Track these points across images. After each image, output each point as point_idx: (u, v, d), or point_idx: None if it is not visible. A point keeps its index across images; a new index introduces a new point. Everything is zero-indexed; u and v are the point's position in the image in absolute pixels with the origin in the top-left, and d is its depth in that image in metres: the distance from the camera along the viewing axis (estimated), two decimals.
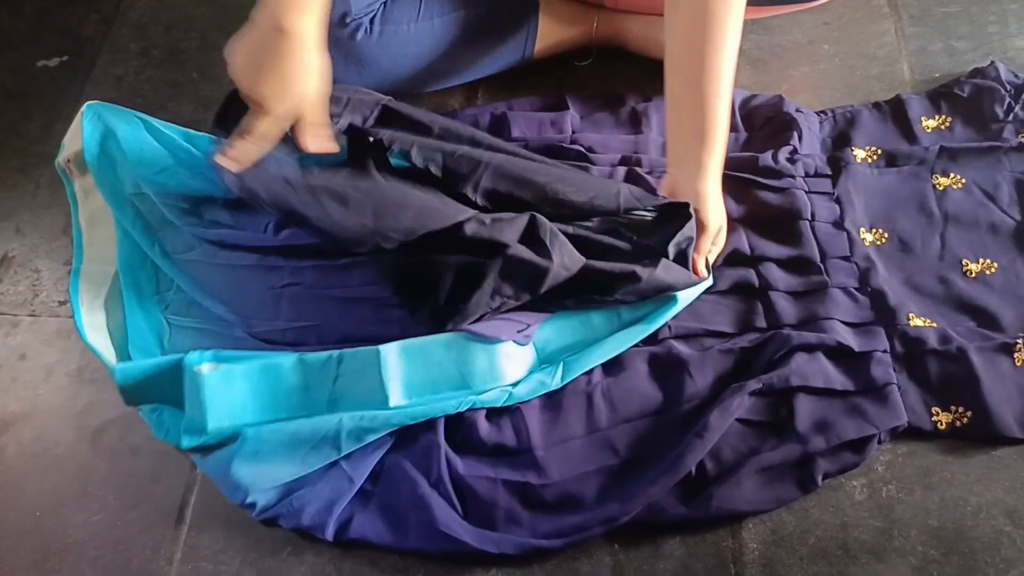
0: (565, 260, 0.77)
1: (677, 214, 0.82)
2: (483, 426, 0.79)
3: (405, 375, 0.78)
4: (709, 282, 0.85)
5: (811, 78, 1.07)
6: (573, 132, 1.00)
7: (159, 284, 0.92)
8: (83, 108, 0.91)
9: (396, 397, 0.77)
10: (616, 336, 0.82)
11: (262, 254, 0.88)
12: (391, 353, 0.78)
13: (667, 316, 0.82)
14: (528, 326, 0.81)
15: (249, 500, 0.77)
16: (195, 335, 0.88)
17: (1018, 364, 0.81)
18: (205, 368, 0.77)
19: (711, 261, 0.85)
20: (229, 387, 0.78)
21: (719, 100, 0.80)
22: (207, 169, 0.90)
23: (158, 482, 0.83)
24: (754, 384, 0.79)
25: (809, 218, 0.91)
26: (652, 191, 0.88)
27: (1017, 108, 0.98)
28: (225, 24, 1.20)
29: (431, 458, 0.77)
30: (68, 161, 0.92)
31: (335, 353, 0.79)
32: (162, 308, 0.91)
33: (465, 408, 0.78)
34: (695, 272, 0.82)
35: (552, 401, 0.80)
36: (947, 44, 1.08)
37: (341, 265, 0.86)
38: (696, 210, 0.81)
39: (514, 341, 0.80)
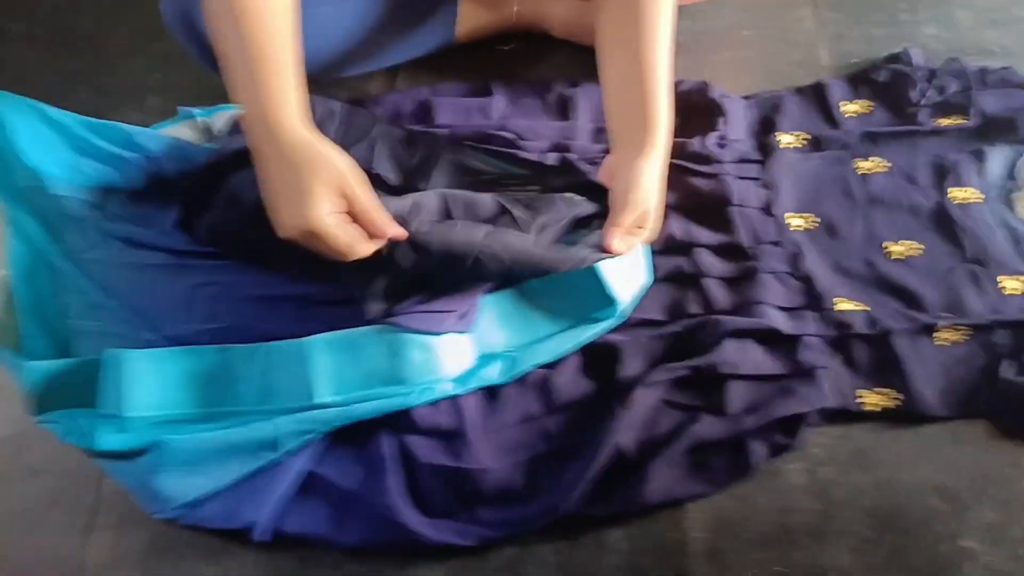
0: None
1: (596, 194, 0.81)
2: (421, 410, 0.77)
3: (332, 369, 0.75)
4: (647, 280, 0.85)
5: (733, 64, 1.08)
6: (501, 118, 0.98)
7: (57, 286, 0.86)
8: None
9: (323, 392, 0.74)
10: (561, 336, 0.81)
11: (173, 252, 0.84)
12: (316, 347, 0.75)
13: (612, 319, 0.82)
14: (467, 312, 0.78)
15: (171, 513, 0.73)
16: (100, 340, 0.82)
17: (940, 343, 0.83)
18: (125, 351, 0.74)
19: (632, 244, 0.82)
20: (152, 369, 0.74)
21: (659, 80, 0.79)
22: (111, 159, 0.86)
23: (59, 504, 0.78)
24: (681, 368, 0.79)
25: (739, 204, 0.91)
26: (585, 178, 0.87)
27: (930, 92, 1.01)
28: (120, 6, 1.13)
29: (374, 440, 0.76)
30: None
31: (263, 345, 0.75)
32: (60, 311, 0.84)
33: (406, 407, 0.76)
34: (607, 247, 0.80)
35: (489, 389, 0.80)
36: (864, 31, 1.10)
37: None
38: (626, 189, 0.80)
39: (454, 331, 0.77)
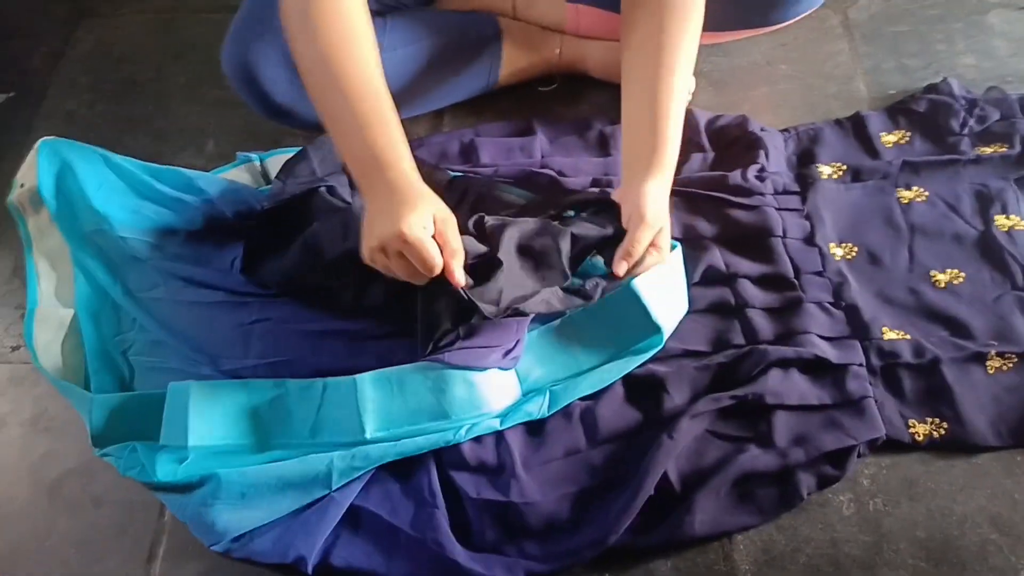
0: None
1: (606, 211, 0.82)
2: (466, 445, 0.78)
3: (380, 405, 0.76)
4: (686, 308, 0.85)
5: (771, 98, 1.09)
6: (543, 156, 1.00)
7: (120, 324, 0.89)
8: (37, 144, 0.89)
9: (372, 427, 0.76)
10: (604, 368, 0.82)
11: (230, 290, 0.86)
12: (367, 383, 0.76)
13: (654, 350, 0.82)
14: (513, 347, 0.79)
15: (225, 545, 0.74)
16: (161, 375, 0.85)
17: (990, 372, 0.83)
18: (194, 382, 0.76)
19: (647, 264, 0.81)
20: (214, 402, 0.76)
21: (671, 115, 0.81)
22: (170, 202, 0.89)
23: (124, 533, 0.79)
24: (727, 399, 0.79)
25: (781, 235, 0.92)
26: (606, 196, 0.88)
27: (971, 122, 1.00)
28: (180, 54, 1.18)
29: (421, 475, 0.76)
30: (21, 199, 0.89)
31: (319, 381, 0.77)
32: (123, 349, 0.88)
33: (453, 443, 0.77)
34: (614, 273, 0.79)
35: (533, 423, 0.80)
36: (899, 62, 1.11)
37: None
38: (639, 207, 0.79)
39: (499, 367, 0.78)
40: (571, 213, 0.86)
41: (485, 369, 0.77)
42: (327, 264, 0.82)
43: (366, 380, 0.76)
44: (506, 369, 0.80)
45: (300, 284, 0.86)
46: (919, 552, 0.75)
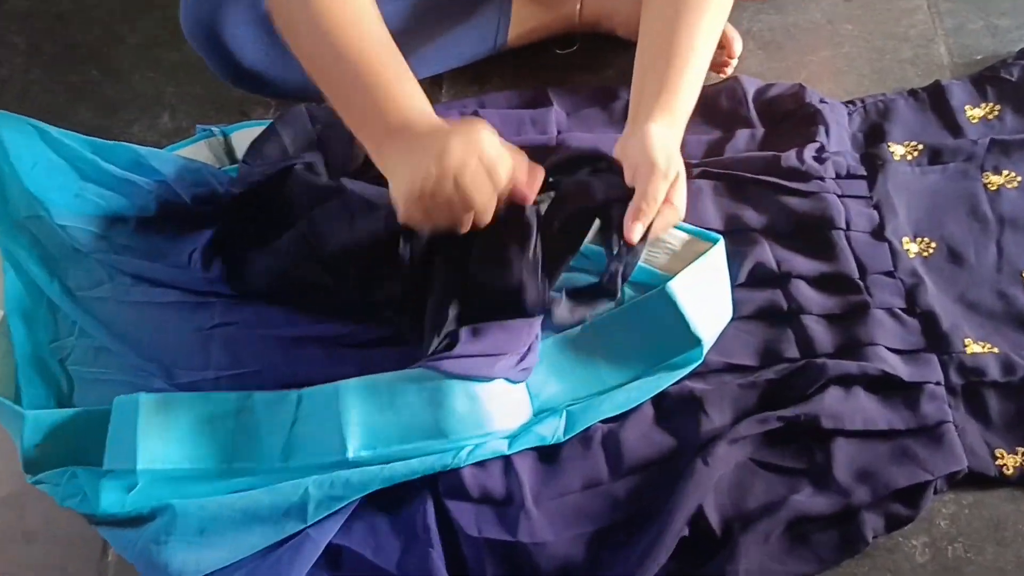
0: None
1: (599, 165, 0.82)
2: (467, 470, 0.77)
3: (366, 419, 0.76)
4: (729, 314, 0.85)
5: (833, 63, 1.08)
6: (559, 132, 0.99)
7: (58, 328, 0.89)
8: None
9: (355, 445, 0.75)
10: (631, 386, 0.81)
11: (187, 289, 0.86)
12: (351, 392, 0.76)
13: (692, 365, 0.82)
14: (525, 354, 0.79)
15: None
16: (105, 388, 0.85)
17: None
18: (144, 394, 0.76)
19: (666, 223, 0.80)
20: (167, 419, 0.76)
21: (688, 63, 0.81)
22: (118, 185, 0.89)
23: (61, 574, 0.79)
24: (775, 421, 0.79)
25: (844, 227, 0.91)
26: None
27: None
28: (130, 11, 1.18)
29: (414, 507, 0.76)
30: None
31: (292, 392, 0.77)
32: (61, 357, 0.88)
33: (451, 468, 0.76)
34: (627, 239, 0.78)
35: (546, 448, 0.80)
36: (988, 22, 1.10)
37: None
38: (646, 152, 0.78)
39: (507, 379, 0.78)
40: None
41: (491, 380, 0.77)
42: (329, 255, 0.82)
43: (350, 388, 0.76)
44: (516, 382, 0.79)
45: (293, 283, 0.85)
46: None
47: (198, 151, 0.98)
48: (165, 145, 1.00)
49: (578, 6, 1.06)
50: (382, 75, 0.76)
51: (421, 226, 0.75)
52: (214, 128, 1.00)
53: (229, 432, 0.77)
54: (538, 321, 0.80)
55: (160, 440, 0.75)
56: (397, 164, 0.74)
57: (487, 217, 0.74)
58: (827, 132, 0.97)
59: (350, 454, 0.75)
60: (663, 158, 0.78)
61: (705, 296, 0.82)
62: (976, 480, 0.79)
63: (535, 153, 0.94)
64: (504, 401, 0.79)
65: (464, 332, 0.77)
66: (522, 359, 0.79)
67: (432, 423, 0.76)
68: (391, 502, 0.77)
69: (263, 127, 0.94)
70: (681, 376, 0.82)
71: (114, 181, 0.89)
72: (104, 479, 0.76)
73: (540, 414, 0.81)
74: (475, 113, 1.01)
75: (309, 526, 0.74)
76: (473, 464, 0.78)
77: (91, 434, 0.78)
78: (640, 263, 0.81)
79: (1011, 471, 0.79)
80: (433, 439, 0.76)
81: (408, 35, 0.99)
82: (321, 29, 0.76)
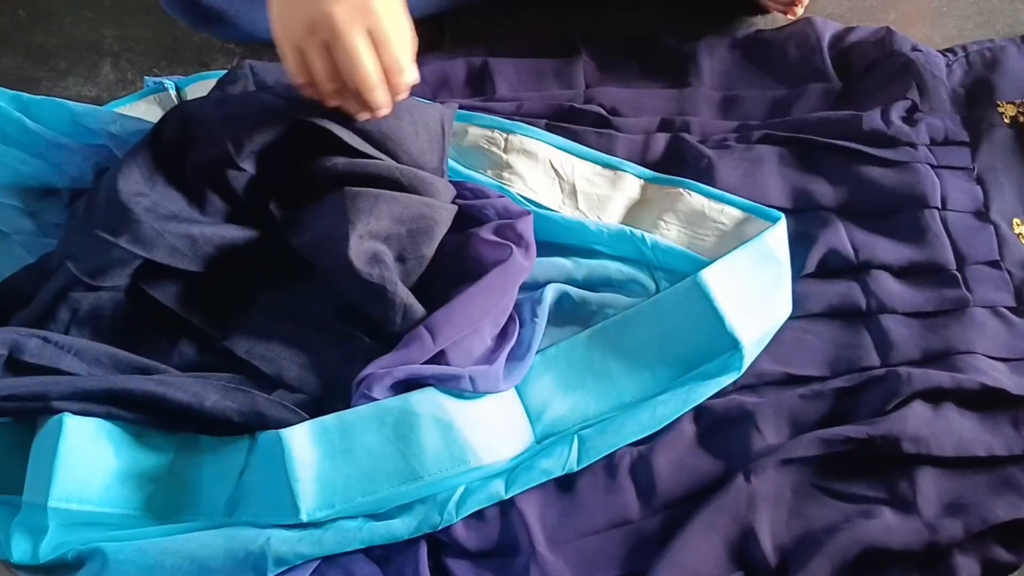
0: None
1: None
2: (459, 529, 0.78)
3: (319, 471, 0.76)
4: (786, 311, 0.85)
5: (930, 2, 1.08)
6: (588, 87, 1.00)
7: None
8: None
9: (309, 505, 0.75)
10: (659, 399, 0.81)
11: None
12: (299, 437, 0.76)
13: (731, 375, 0.82)
14: (499, 347, 0.81)
15: None
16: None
17: None
18: (72, 416, 0.75)
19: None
20: (95, 449, 0.75)
21: None
22: (48, 149, 0.90)
23: None
24: (841, 443, 0.79)
25: (939, 206, 0.92)
26: (701, 164, 0.90)
27: None
28: None
29: (405, 558, 0.76)
30: None
31: (244, 438, 0.78)
32: None
33: (444, 524, 0.77)
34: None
35: (559, 488, 0.80)
36: None
37: None
38: None
39: (470, 379, 0.78)
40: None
41: (466, 395, 0.78)
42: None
43: (300, 432, 0.76)
44: (493, 393, 0.80)
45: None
46: None
47: (147, 108, 0.99)
48: (106, 101, 1.01)
49: None
50: None
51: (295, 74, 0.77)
52: (166, 80, 1.00)
53: (164, 479, 0.77)
54: (513, 272, 0.82)
55: (80, 475, 0.75)
56: None
57: (375, 96, 0.77)
58: (920, 88, 0.97)
59: (303, 517, 0.75)
60: None
61: (751, 288, 0.83)
62: None
63: (560, 112, 0.97)
64: (490, 425, 0.79)
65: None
66: (494, 353, 0.80)
67: (400, 464, 0.76)
68: (380, 551, 0.77)
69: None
70: (719, 388, 0.82)
71: (43, 145, 0.90)
72: (16, 521, 0.76)
73: (544, 441, 0.81)
74: (485, 63, 1.02)
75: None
76: (467, 518, 0.77)
77: (10, 457, 0.78)
78: (680, 247, 0.83)
79: None
80: (405, 484, 0.76)
81: None
82: None
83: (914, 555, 0.77)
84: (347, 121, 0.81)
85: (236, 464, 0.78)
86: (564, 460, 0.79)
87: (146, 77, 1.02)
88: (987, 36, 1.05)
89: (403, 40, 0.76)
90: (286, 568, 0.75)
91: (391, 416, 0.77)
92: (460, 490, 0.77)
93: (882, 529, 0.76)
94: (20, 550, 0.74)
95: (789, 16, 1.06)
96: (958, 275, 0.89)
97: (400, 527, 0.76)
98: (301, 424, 0.76)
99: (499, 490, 0.78)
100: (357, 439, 0.76)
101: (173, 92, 0.99)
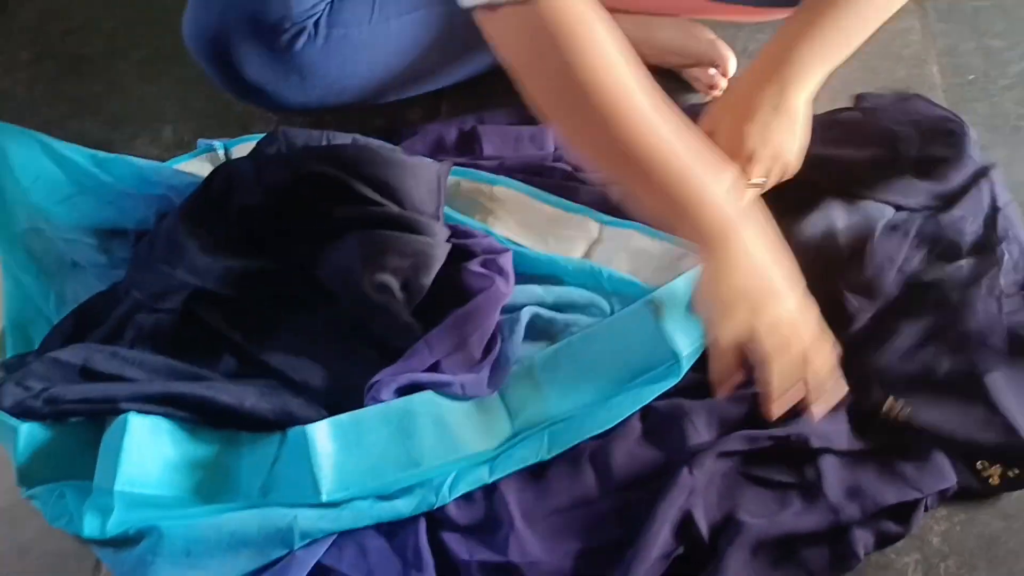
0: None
1: None
2: (451, 506, 0.77)
3: (338, 460, 0.75)
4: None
5: (828, 82, 1.07)
6: (556, 148, 0.99)
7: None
8: None
9: (328, 488, 0.75)
10: (611, 403, 0.80)
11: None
12: (321, 433, 0.76)
13: (672, 380, 0.81)
14: (485, 359, 0.81)
15: None
16: None
17: None
18: (135, 415, 0.75)
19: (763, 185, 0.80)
20: (154, 442, 0.75)
21: (826, 30, 0.81)
22: (118, 197, 0.89)
23: None
24: (765, 439, 0.78)
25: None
26: None
27: None
28: (134, 27, 1.18)
29: (407, 533, 0.75)
30: None
31: (276, 434, 0.77)
32: None
33: (437, 506, 0.76)
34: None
35: (532, 474, 0.79)
36: (981, 43, 1.09)
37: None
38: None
39: (473, 396, 0.79)
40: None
41: (457, 398, 0.79)
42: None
43: (322, 429, 0.76)
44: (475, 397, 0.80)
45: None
46: None
47: (200, 166, 0.97)
48: (167, 159, 0.99)
49: None
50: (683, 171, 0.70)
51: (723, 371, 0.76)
52: (215, 142, 0.99)
53: (210, 466, 0.77)
54: (496, 298, 0.82)
55: (142, 464, 0.74)
56: (715, 271, 0.73)
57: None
58: None
59: (323, 498, 0.74)
60: (759, 140, 0.80)
61: (688, 310, 0.81)
62: (968, 497, 0.78)
63: (534, 168, 0.96)
64: (477, 422, 0.79)
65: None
66: (480, 361, 0.80)
67: (403, 454, 0.76)
68: (384, 527, 0.76)
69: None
70: (662, 391, 0.81)
71: (114, 195, 0.89)
72: (88, 503, 0.75)
73: (521, 435, 0.80)
74: (474, 128, 1.01)
75: (296, 550, 0.74)
76: (458, 498, 0.77)
77: (84, 448, 0.77)
78: (630, 277, 0.84)
79: (996, 480, 0.78)
80: (407, 470, 0.76)
81: (415, 49, 1.00)
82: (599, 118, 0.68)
83: (821, 532, 0.75)
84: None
85: (269, 455, 0.77)
86: (537, 451, 0.78)
87: (199, 139, 1.02)
88: None
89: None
90: (310, 541, 0.74)
91: (395, 415, 0.77)
92: (452, 475, 0.77)
93: (796, 519, 0.75)
94: (91, 526, 0.73)
95: (712, 96, 1.05)
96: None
97: (403, 506, 0.75)
98: (322, 421, 0.76)
99: (484, 475, 0.77)
100: (368, 434, 0.77)
101: (221, 152, 0.99)
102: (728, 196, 0.72)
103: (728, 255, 0.72)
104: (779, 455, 0.79)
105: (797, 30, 0.82)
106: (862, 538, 0.75)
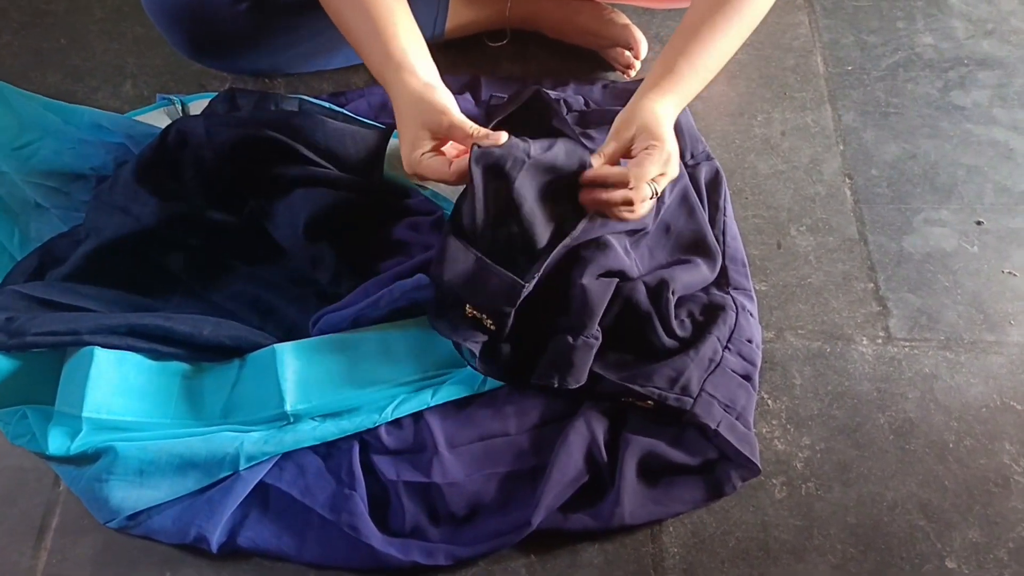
0: None
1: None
2: (382, 430, 0.76)
3: (301, 376, 0.75)
4: None
5: (728, 67, 1.07)
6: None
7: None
8: None
9: (292, 399, 0.74)
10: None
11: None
12: (287, 352, 0.75)
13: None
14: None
15: (120, 522, 0.72)
16: None
17: None
18: (100, 349, 0.73)
19: (637, 214, 0.77)
20: (119, 371, 0.73)
21: (708, 48, 0.80)
22: (77, 143, 0.85)
23: (13, 504, 0.76)
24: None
25: None
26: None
27: None
28: None
29: (340, 455, 0.74)
30: None
31: (235, 361, 0.76)
32: None
33: (379, 424, 0.75)
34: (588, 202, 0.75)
35: (456, 407, 0.78)
36: (859, 38, 1.10)
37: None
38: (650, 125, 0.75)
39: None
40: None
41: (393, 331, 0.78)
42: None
43: (287, 349, 0.75)
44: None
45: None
46: (848, 538, 0.75)
47: (157, 118, 0.93)
48: (127, 111, 0.95)
49: (508, 5, 1.03)
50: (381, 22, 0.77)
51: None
52: (173, 97, 0.95)
53: (174, 395, 0.75)
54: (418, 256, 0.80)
55: (107, 392, 0.72)
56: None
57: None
58: None
59: (288, 407, 0.74)
60: (668, 135, 0.75)
61: None
62: (831, 428, 0.80)
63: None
64: (420, 351, 0.78)
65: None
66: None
67: (357, 375, 0.76)
68: (320, 449, 0.76)
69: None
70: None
71: (72, 140, 0.85)
72: (52, 423, 0.73)
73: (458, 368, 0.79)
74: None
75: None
76: (388, 424, 0.76)
77: (46, 376, 0.74)
78: None
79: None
80: (360, 388, 0.75)
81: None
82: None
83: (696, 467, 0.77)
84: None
85: (230, 378, 0.76)
86: (475, 386, 0.78)
87: (158, 94, 0.98)
88: (765, 92, 1.04)
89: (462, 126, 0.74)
90: (254, 463, 0.72)
91: (351, 341, 0.77)
92: (400, 398, 0.76)
93: (670, 453, 0.77)
94: (56, 445, 0.72)
95: (626, 76, 1.04)
96: None
97: (348, 424, 0.75)
98: (288, 343, 0.76)
99: (427, 399, 0.77)
100: (326, 355, 0.76)
101: (179, 106, 0.95)
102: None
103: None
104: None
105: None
106: (731, 476, 0.77)
